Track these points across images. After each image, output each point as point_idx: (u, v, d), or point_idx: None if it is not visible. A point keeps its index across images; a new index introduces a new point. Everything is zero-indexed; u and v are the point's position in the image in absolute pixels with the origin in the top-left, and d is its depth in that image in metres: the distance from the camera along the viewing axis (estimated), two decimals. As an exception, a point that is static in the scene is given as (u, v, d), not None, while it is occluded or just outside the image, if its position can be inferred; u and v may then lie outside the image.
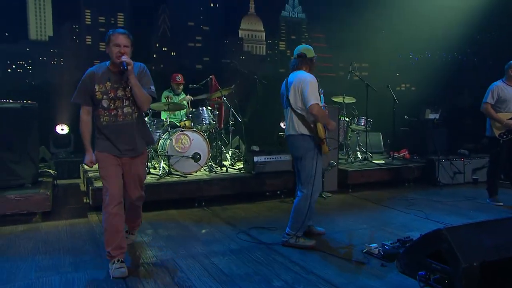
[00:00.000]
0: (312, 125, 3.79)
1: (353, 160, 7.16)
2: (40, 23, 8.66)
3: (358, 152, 7.39)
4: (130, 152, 3.32)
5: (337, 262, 3.50)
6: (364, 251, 3.69)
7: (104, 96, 3.21)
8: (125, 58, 3.09)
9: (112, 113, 3.24)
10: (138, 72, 3.23)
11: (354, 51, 10.93)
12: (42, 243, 4.00)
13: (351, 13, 10.24)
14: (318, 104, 3.68)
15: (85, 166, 3.84)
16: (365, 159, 7.19)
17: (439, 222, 4.64)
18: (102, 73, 3.22)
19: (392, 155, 7.52)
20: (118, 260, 3.20)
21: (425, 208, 5.32)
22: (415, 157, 7.61)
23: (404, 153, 7.78)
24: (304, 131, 3.81)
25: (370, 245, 3.68)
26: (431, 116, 8.28)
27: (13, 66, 8.83)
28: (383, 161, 7.22)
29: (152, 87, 3.30)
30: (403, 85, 11.85)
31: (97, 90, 3.20)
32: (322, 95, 4.19)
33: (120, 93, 3.23)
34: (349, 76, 7.03)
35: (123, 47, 3.14)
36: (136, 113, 3.33)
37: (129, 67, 3.10)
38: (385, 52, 11.06)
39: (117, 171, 3.29)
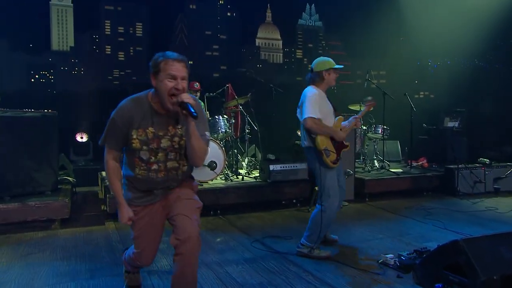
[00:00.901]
0: (313, 137, 3.77)
1: (370, 169, 7.08)
2: (62, 34, 8.92)
3: (375, 161, 7.31)
4: (166, 191, 2.56)
5: (352, 273, 3.45)
6: (380, 261, 3.64)
7: (144, 147, 2.39)
8: (188, 99, 2.25)
9: (152, 167, 2.44)
10: None
11: (372, 59, 10.87)
12: (60, 249, 4.07)
13: (369, 20, 10.20)
14: (311, 117, 3.63)
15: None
16: (382, 167, 7.11)
17: (458, 233, 4.55)
18: (143, 114, 2.37)
19: (410, 164, 7.41)
20: (131, 273, 3.06)
21: (443, 218, 5.21)
22: (433, 166, 7.48)
23: (423, 161, 7.66)
24: (309, 143, 3.80)
25: (386, 255, 3.63)
26: (450, 124, 8.15)
27: (36, 76, 9.10)
28: (400, 170, 7.12)
29: (208, 134, 2.50)
30: (422, 93, 11.71)
31: (134, 137, 2.37)
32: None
33: (165, 143, 2.41)
34: (365, 84, 6.98)
35: (180, 80, 2.28)
36: (185, 167, 2.55)
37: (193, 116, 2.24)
38: (403, 59, 10.95)
39: (152, 229, 2.59)
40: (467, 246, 2.79)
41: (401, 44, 10.88)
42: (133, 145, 2.39)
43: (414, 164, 7.55)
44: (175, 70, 2.27)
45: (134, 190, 2.52)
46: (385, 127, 7.21)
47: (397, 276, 3.34)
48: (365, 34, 10.68)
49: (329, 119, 3.84)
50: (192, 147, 2.35)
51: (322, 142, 3.71)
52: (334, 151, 3.79)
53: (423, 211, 5.66)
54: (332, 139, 3.81)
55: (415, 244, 4.12)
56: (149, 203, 2.53)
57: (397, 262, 3.50)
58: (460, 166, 6.78)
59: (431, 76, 11.52)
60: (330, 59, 3.89)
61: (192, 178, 2.71)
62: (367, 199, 6.29)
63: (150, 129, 2.38)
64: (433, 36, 10.28)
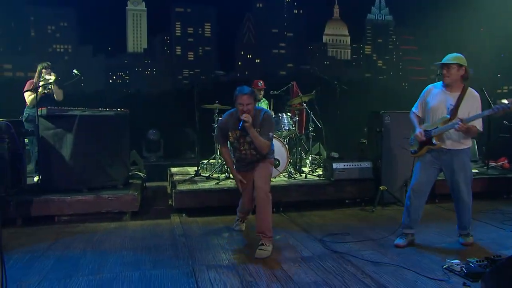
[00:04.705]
0: None
1: (441, 169, 6.67)
2: (136, 37, 9.50)
3: (447, 160, 6.87)
4: (254, 166, 4.14)
5: (413, 277, 3.28)
6: (444, 267, 3.42)
7: (235, 141, 4.12)
8: (243, 117, 3.84)
9: (242, 152, 4.13)
10: (261, 119, 3.98)
11: (446, 52, 10.22)
12: (129, 240, 4.33)
13: (443, 11, 9.60)
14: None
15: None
16: (455, 168, 6.66)
17: (540, 241, 4.14)
18: (233, 123, 4.03)
19: (487, 164, 6.87)
20: (239, 220, 4.64)
21: (525, 225, 4.78)
22: (516, 167, 6.88)
23: (503, 162, 7.07)
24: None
25: (452, 261, 3.40)
26: (537, 122, 7.43)
27: (114, 77, 9.79)
28: (476, 170, 6.63)
29: (271, 134, 4.00)
30: (505, 87, 10.78)
31: (230, 135, 4.11)
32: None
33: (248, 139, 4.01)
34: (437, 79, 6.59)
35: (245, 105, 3.86)
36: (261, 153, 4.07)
37: (246, 124, 3.86)
38: (483, 52, 10.18)
39: (248, 184, 4.16)
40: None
41: (481, 35, 10.09)
42: (230, 139, 4.16)
43: (493, 164, 7.00)
44: (242, 100, 3.88)
45: (238, 164, 4.27)
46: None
47: (464, 284, 3.11)
48: (439, 26, 10.09)
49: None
50: (255, 143, 3.96)
51: None
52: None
53: (501, 215, 5.23)
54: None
55: (487, 251, 3.83)
56: (245, 170, 4.18)
57: (464, 269, 3.26)
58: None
59: (516, 69, 10.56)
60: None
61: (269, 157, 4.17)
62: (437, 201, 5.93)
63: (237, 131, 4.03)
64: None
